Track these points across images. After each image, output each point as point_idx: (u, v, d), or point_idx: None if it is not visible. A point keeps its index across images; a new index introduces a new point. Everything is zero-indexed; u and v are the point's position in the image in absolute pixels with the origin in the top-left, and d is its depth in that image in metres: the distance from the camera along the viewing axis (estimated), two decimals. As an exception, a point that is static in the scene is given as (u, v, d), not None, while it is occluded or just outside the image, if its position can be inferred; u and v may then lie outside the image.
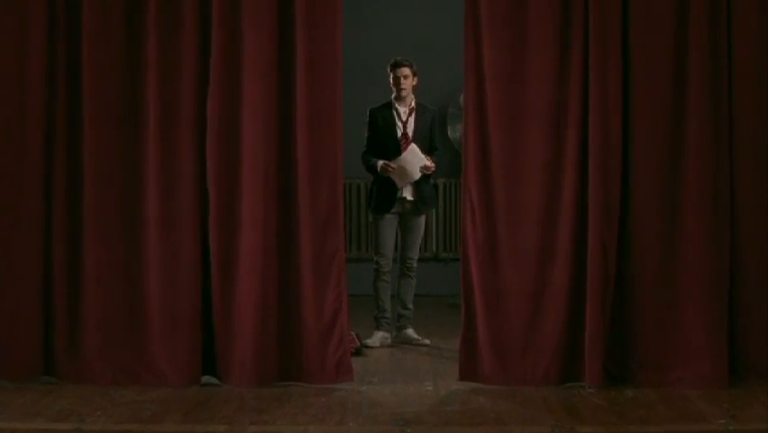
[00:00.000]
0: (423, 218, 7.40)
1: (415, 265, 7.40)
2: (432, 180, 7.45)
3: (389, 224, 7.28)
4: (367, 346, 7.13)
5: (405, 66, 7.20)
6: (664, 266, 5.94)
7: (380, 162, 7.15)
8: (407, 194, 7.25)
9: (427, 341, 7.34)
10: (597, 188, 5.87)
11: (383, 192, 7.25)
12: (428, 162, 7.17)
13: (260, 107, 5.94)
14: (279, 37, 5.97)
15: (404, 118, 7.27)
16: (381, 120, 7.26)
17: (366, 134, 7.32)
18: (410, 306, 7.41)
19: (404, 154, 7.17)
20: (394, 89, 7.26)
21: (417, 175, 7.18)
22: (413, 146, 7.17)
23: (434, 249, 9.59)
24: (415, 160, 7.16)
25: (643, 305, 5.96)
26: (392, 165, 7.15)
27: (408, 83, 7.22)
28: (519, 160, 5.95)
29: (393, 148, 7.21)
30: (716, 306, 5.92)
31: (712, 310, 5.91)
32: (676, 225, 5.93)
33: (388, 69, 7.24)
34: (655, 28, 5.92)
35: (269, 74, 5.95)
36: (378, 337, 7.30)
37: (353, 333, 6.78)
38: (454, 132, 9.01)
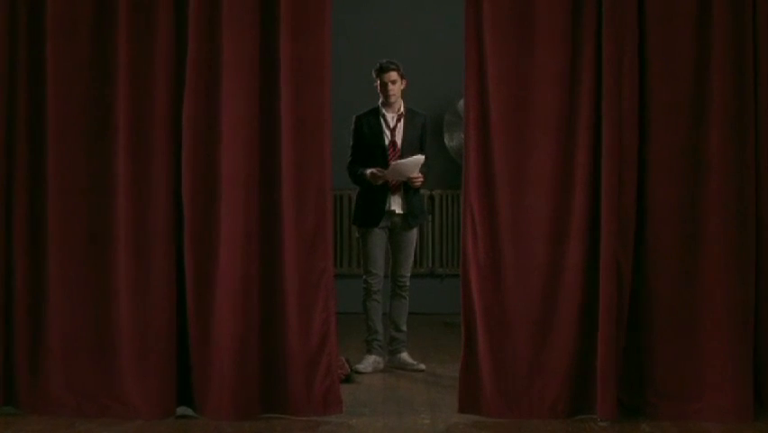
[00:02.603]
0: (414, 233, 7.03)
1: (407, 284, 7.03)
2: (421, 192, 7.14)
3: (378, 239, 6.92)
4: (358, 372, 6.76)
5: (392, 70, 6.87)
6: (684, 286, 5.57)
7: (369, 171, 6.79)
8: (396, 207, 6.90)
9: (423, 366, 6.97)
10: (610, 200, 5.49)
11: (370, 205, 6.90)
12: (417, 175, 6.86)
13: (241, 114, 5.57)
14: (262, 37, 5.61)
15: (392, 125, 6.93)
16: (367, 127, 6.93)
17: (351, 143, 7.00)
18: (404, 328, 7.04)
19: (403, 161, 6.81)
20: (381, 95, 6.92)
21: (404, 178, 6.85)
22: (422, 158, 6.83)
23: (430, 264, 9.36)
24: (412, 167, 6.83)
25: (660, 329, 5.59)
26: (383, 171, 6.79)
27: (396, 88, 6.89)
28: (525, 170, 5.59)
29: (380, 157, 6.87)
30: (740, 330, 5.53)
31: (736, 335, 5.53)
32: (697, 241, 5.56)
33: (374, 74, 6.92)
34: (675, 27, 5.55)
35: (251, 78, 5.59)
36: (369, 362, 6.92)
37: (343, 358, 6.45)
38: (451, 140, 8.74)
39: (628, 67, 5.51)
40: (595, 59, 5.53)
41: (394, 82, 6.87)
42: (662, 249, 5.58)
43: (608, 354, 5.47)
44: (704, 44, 5.54)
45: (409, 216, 6.94)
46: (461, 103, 7.15)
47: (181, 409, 5.68)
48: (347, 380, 6.44)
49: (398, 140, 6.89)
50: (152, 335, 5.61)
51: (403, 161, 6.80)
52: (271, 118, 5.61)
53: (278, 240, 5.61)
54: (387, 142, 6.90)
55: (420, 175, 6.86)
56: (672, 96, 5.55)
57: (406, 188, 6.90)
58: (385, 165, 6.83)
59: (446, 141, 8.84)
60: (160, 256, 5.61)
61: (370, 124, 6.92)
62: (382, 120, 6.92)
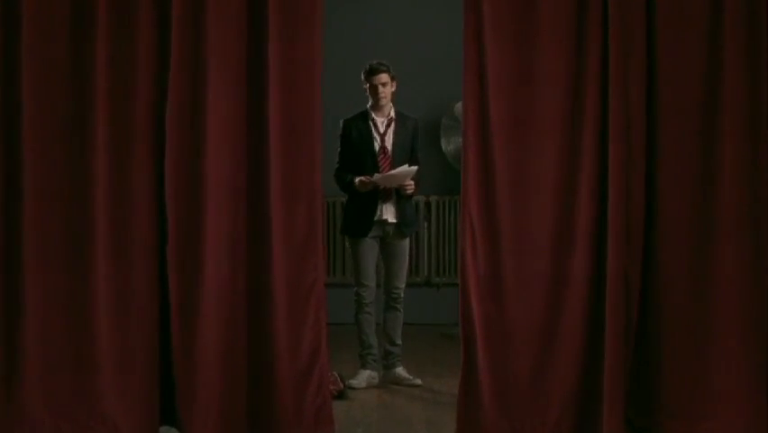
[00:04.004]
0: (407, 242, 6.83)
1: (402, 295, 6.82)
2: (413, 200, 6.97)
3: (369, 249, 6.71)
4: (351, 388, 6.53)
5: (382, 72, 6.65)
6: (695, 300, 5.37)
7: (357, 179, 6.59)
8: (389, 215, 6.69)
9: (419, 381, 6.76)
10: (617, 207, 5.31)
11: (360, 214, 6.68)
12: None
13: (227, 117, 5.39)
14: (249, 37, 5.43)
15: (382, 130, 6.72)
16: (356, 132, 6.70)
17: (339, 149, 6.79)
18: (398, 341, 6.82)
19: (393, 172, 6.61)
20: (371, 98, 6.70)
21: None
22: (413, 169, 6.64)
23: (426, 273, 9.12)
24: (402, 177, 6.65)
25: (670, 344, 5.39)
26: (371, 178, 6.57)
27: (387, 91, 6.66)
28: (527, 177, 5.41)
29: (370, 163, 6.66)
30: (755, 345, 5.34)
31: (750, 350, 5.34)
32: (709, 252, 5.36)
33: (363, 77, 6.70)
34: (684, 26, 5.35)
35: (238, 78, 5.40)
36: (363, 377, 6.70)
37: (335, 373, 6.28)
38: (448, 144, 8.62)
39: (636, 67, 5.33)
40: (601, 58, 5.34)
41: (384, 84, 6.65)
42: (673, 259, 5.39)
43: (615, 370, 5.30)
44: (715, 44, 5.35)
45: (402, 225, 6.73)
46: (459, 106, 7.07)
47: (165, 429, 5.49)
48: (340, 396, 6.26)
49: (389, 145, 6.70)
50: (134, 350, 5.41)
51: (393, 172, 6.60)
52: (259, 121, 5.42)
53: (266, 250, 5.41)
54: (377, 147, 6.70)
55: (412, 183, 6.66)
56: (682, 98, 5.37)
57: (398, 195, 6.69)
58: (375, 171, 6.63)
59: (443, 145, 8.64)
60: (142, 266, 5.41)
61: (358, 128, 6.71)
62: (372, 124, 6.71)
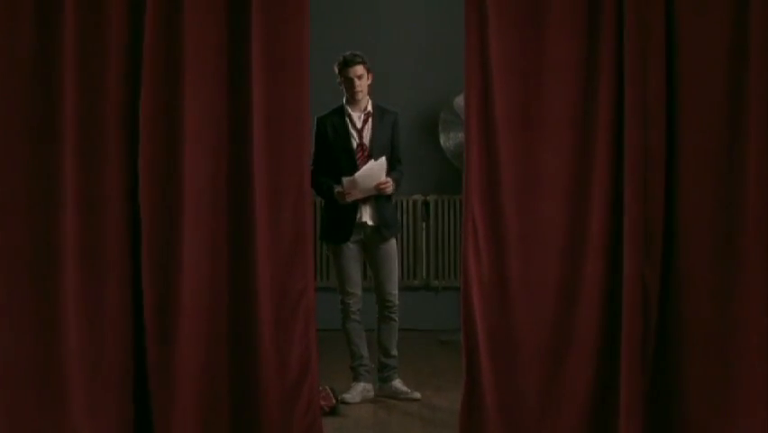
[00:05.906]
0: (392, 244, 6.48)
1: (396, 303, 6.47)
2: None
3: (352, 255, 6.39)
4: (345, 403, 6.21)
5: (357, 64, 6.35)
6: (718, 308, 5.10)
7: (336, 189, 6.28)
8: (367, 218, 6.36)
9: (418, 394, 6.42)
10: (634, 210, 5.07)
11: (339, 217, 6.36)
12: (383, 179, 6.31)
13: (206, 113, 5.22)
14: (230, 27, 5.26)
15: (359, 125, 6.40)
16: (332, 129, 6.38)
17: (312, 148, 6.35)
18: (394, 352, 6.49)
19: (366, 167, 6.26)
20: (346, 92, 6.42)
21: (372, 190, 6.32)
22: (382, 161, 6.27)
23: (424, 276, 8.88)
24: (374, 174, 6.30)
25: (691, 355, 5.13)
26: (344, 190, 6.24)
27: (363, 83, 6.37)
28: (535, 175, 5.19)
29: (348, 162, 6.33)
30: None
31: None
32: (733, 256, 5.08)
33: (337, 69, 6.40)
34: (708, 8, 5.09)
35: (217, 70, 5.24)
36: (358, 391, 6.37)
37: (327, 387, 5.99)
38: (448, 140, 8.43)
39: (654, 55, 5.08)
40: (616, 46, 5.12)
41: (360, 77, 6.35)
42: (694, 263, 5.12)
43: (631, 385, 5.07)
44: (740, 30, 5.08)
45: (383, 227, 6.40)
46: (459, 99, 6.88)
47: (140, 450, 5.27)
48: (332, 412, 5.97)
49: (366, 141, 6.39)
50: (106, 365, 5.21)
51: (360, 172, 6.26)
52: (242, 118, 5.23)
53: (250, 255, 5.22)
54: (354, 144, 6.38)
55: (388, 180, 6.32)
56: (705, 91, 5.10)
57: (377, 195, 6.37)
58: (352, 170, 6.30)
59: (442, 141, 8.41)
60: (115, 275, 5.21)
61: (334, 125, 6.40)
62: (348, 120, 6.41)
